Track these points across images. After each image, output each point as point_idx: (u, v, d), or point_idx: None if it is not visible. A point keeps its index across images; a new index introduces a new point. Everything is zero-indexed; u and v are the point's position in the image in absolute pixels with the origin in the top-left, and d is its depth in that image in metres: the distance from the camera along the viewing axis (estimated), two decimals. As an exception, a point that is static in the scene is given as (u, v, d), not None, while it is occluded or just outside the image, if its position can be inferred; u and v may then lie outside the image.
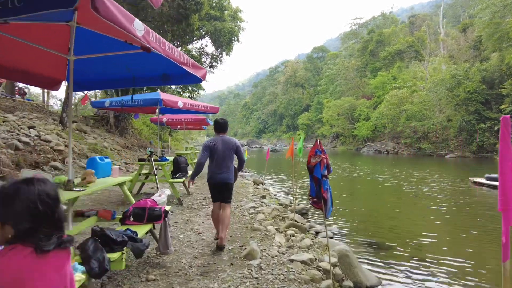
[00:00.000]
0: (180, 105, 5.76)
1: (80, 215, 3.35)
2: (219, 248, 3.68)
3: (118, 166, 3.57)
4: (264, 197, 7.07)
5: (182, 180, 6.09)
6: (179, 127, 13.56)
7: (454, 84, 30.00)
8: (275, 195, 8.86)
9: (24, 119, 11.99)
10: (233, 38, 23.21)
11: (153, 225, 2.96)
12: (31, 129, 10.11)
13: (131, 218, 2.85)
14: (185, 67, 2.95)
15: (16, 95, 19.41)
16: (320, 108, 59.95)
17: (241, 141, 65.87)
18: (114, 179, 3.43)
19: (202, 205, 6.25)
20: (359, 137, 44.54)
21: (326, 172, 2.62)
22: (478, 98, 29.21)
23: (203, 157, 3.81)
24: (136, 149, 21.01)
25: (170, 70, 3.54)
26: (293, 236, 4.19)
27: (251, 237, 4.11)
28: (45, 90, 26.36)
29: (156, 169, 5.70)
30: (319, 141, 2.67)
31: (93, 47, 3.12)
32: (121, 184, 3.53)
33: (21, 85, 22.83)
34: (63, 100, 14.69)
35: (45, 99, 26.52)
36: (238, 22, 24.52)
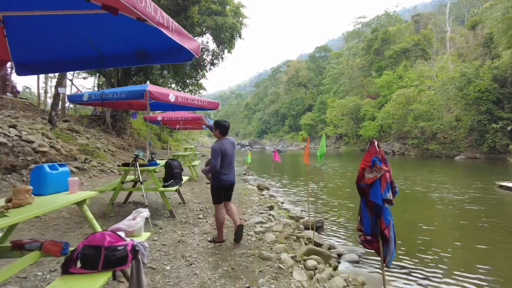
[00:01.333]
0: (172, 98, 4.75)
1: (18, 248, 2.33)
2: (239, 229, 3.91)
3: (76, 178, 2.52)
4: (271, 207, 6.04)
5: (174, 188, 5.08)
6: (178, 126, 12.54)
7: (464, 83, 28.86)
8: (282, 203, 7.82)
9: (7, 118, 11.03)
10: (235, 34, 22.20)
11: (114, 274, 1.94)
12: (11, 129, 9.13)
13: (78, 264, 1.84)
14: (165, 31, 1.94)
15: (7, 93, 18.49)
16: (323, 108, 58.80)
17: (243, 141, 64.88)
18: (68, 198, 2.41)
19: (199, 218, 5.23)
20: (364, 138, 43.39)
21: (390, 195, 1.60)
22: (490, 97, 28.06)
23: (217, 162, 3.79)
24: (133, 150, 20.05)
25: (148, 43, 2.54)
26: (316, 269, 3.17)
27: (260, 271, 3.08)
28: (42, 89, 25.54)
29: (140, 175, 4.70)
30: (377, 144, 1.66)
31: (31, 3, 2.11)
32: (79, 203, 2.51)
33: (14, 83, 22.08)
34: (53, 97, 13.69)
35: (42, 97, 25.67)
36: (240, 18, 23.50)
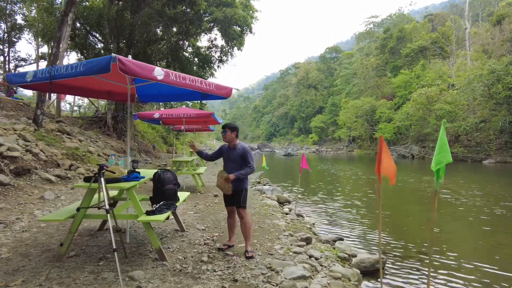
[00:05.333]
0: (159, 75, 2.94)
1: None
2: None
3: None
4: (308, 240, 4.13)
5: (163, 217, 3.27)
6: (182, 128, 10.76)
7: (492, 81, 26.57)
8: (313, 224, 5.94)
9: (-19, 117, 9.45)
10: (245, 28, 20.45)
11: None
12: (-25, 129, 7.51)
13: None
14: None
15: (0, 92, 17.12)
16: (335, 110, 56.63)
17: (251, 144, 62.97)
18: None
19: (202, 261, 3.39)
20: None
21: None
22: (523, 96, 25.72)
23: None
24: (135, 154, 18.44)
25: None
26: None
27: None
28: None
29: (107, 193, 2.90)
30: None
31: None
32: None
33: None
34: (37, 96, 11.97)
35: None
36: (251, 11, 21.75)
